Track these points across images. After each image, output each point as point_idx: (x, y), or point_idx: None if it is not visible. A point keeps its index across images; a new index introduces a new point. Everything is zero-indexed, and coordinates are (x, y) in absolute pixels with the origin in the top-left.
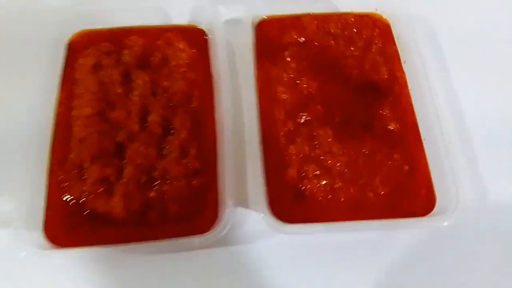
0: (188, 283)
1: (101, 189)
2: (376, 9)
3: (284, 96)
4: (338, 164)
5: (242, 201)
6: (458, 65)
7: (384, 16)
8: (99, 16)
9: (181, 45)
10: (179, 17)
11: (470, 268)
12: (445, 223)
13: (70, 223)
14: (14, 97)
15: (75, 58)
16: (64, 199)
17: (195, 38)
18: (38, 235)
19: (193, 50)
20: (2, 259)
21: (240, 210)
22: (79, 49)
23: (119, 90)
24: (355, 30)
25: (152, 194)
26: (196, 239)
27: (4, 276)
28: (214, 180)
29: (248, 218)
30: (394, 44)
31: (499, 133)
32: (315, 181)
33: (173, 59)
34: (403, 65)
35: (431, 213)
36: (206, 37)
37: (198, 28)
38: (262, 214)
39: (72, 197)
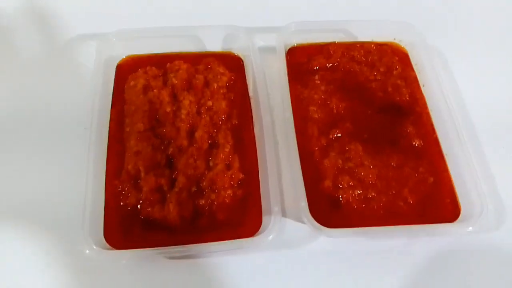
0: (234, 285)
1: (156, 197)
2: (394, 39)
3: (316, 115)
4: (370, 175)
5: (282, 211)
6: (471, 85)
7: (402, 45)
8: (141, 44)
9: (221, 69)
10: (215, 45)
11: (494, 274)
12: (470, 229)
13: (127, 228)
14: (73, 114)
15: (124, 80)
16: (121, 206)
17: (231, 63)
18: (99, 239)
19: (231, 74)
20: (67, 259)
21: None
22: (127, 72)
23: (168, 109)
24: (376, 57)
25: (201, 202)
26: (244, 241)
27: (69, 273)
28: (257, 191)
29: (288, 225)
30: (413, 70)
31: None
32: (350, 191)
33: (214, 82)
34: (422, 88)
35: (456, 220)
36: (242, 63)
37: (234, 55)
38: (305, 219)
39: (129, 204)
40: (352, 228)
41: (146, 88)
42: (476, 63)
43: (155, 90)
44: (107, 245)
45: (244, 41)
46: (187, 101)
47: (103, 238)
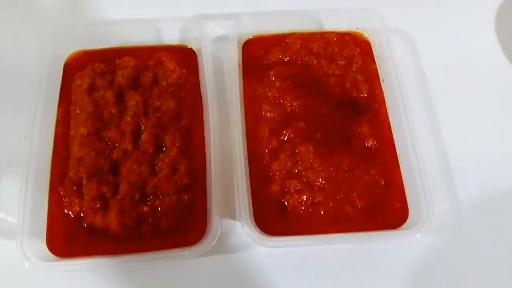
0: None
1: (98, 205)
2: (357, 28)
3: (268, 114)
4: (319, 179)
5: (230, 214)
6: (437, 82)
7: (365, 35)
8: (93, 37)
9: (171, 65)
10: (170, 36)
11: (443, 278)
12: (418, 235)
13: (70, 236)
14: (15, 116)
15: (72, 78)
16: (65, 213)
17: (185, 57)
18: (41, 247)
19: (183, 70)
20: (8, 270)
21: (228, 222)
22: (75, 69)
23: (113, 111)
24: (337, 49)
25: (145, 209)
26: (186, 251)
27: (10, 286)
28: (203, 195)
29: (236, 230)
30: (374, 63)
31: (472, 150)
32: (296, 196)
33: (163, 79)
34: (381, 83)
35: (403, 226)
36: (196, 56)
37: (188, 48)
38: (245, 228)
39: (72, 212)
40: (293, 237)
41: (92, 88)
42: (445, 49)
43: (100, 91)
44: (50, 254)
45: (198, 33)
46: (133, 101)
47: (46, 246)
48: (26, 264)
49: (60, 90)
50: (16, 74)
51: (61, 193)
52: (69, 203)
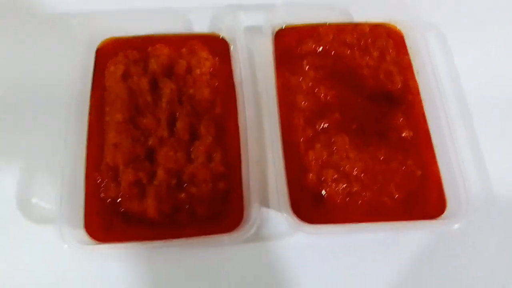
0: (215, 278)
1: (135, 191)
2: (390, 20)
3: (303, 104)
4: (355, 169)
5: (265, 203)
6: (470, 72)
7: (398, 27)
8: (123, 24)
9: (204, 54)
10: (201, 25)
11: (479, 269)
12: (456, 226)
13: (107, 221)
14: (50, 100)
15: (104, 64)
16: (102, 199)
17: (216, 46)
18: (79, 231)
19: (215, 59)
20: (47, 253)
21: (264, 211)
22: (107, 56)
23: (148, 98)
24: (370, 41)
25: (182, 196)
26: (225, 237)
27: (49, 268)
28: (238, 184)
29: (271, 218)
30: (407, 54)
31: (507, 139)
32: (333, 185)
33: (197, 67)
34: (416, 75)
35: (442, 216)
36: (228, 46)
37: (220, 37)
38: (285, 214)
39: (109, 197)
40: (331, 225)
41: (126, 75)
42: (479, 45)
43: (134, 77)
44: (89, 238)
45: (230, 22)
46: (168, 89)
47: (85, 231)
48: (65, 246)
49: (93, 76)
50: (50, 59)
51: (98, 178)
52: (106, 189)
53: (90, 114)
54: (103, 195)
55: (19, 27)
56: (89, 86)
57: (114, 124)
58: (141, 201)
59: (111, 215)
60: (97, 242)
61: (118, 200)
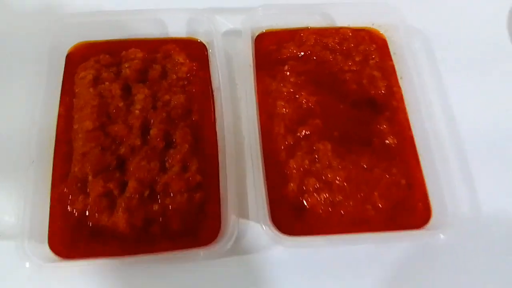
0: None
1: (104, 203)
2: (373, 24)
3: (283, 110)
4: (338, 178)
5: (244, 214)
6: (455, 78)
7: (381, 31)
8: (96, 28)
9: (181, 59)
10: (178, 29)
11: (465, 281)
12: (441, 236)
13: (74, 236)
14: (14, 108)
15: (74, 70)
16: (68, 212)
17: (195, 51)
18: (43, 247)
19: (193, 63)
20: (8, 271)
21: (241, 223)
22: (78, 61)
23: (120, 104)
24: (353, 45)
25: (155, 207)
26: (201, 251)
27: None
28: (215, 195)
29: (250, 230)
30: (391, 59)
31: (493, 147)
32: (315, 194)
33: (172, 73)
34: (399, 80)
35: (426, 226)
36: (206, 50)
37: (198, 41)
38: (264, 226)
39: (76, 210)
40: (313, 237)
41: (97, 80)
42: (463, 49)
43: (106, 83)
44: (53, 255)
45: (209, 26)
46: (141, 95)
47: (49, 247)
48: (27, 265)
49: (62, 82)
50: (16, 64)
51: (65, 190)
52: (73, 201)
53: (58, 122)
54: (70, 208)
55: None
56: (58, 92)
57: (83, 132)
58: (110, 214)
59: (78, 230)
60: (62, 259)
61: (86, 213)
